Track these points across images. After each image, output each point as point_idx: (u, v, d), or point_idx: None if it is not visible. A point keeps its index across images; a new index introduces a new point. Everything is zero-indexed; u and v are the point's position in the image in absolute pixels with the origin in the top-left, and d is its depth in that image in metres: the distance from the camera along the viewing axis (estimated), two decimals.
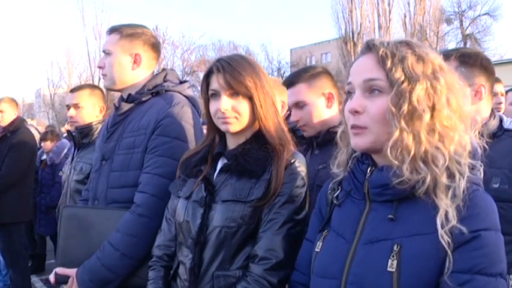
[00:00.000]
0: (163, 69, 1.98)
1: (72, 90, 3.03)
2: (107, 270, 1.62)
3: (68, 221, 1.77)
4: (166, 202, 1.61)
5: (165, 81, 1.92)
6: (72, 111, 2.90)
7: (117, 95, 2.07)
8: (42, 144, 5.14)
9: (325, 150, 1.86)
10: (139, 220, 1.64)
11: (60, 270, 1.70)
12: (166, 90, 1.87)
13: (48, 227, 4.71)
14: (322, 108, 1.94)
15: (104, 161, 1.86)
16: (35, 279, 4.95)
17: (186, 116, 1.78)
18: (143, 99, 1.86)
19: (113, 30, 1.96)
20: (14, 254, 3.91)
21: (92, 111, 2.90)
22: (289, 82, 1.99)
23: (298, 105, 1.94)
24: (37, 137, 5.77)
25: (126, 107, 1.89)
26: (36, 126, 7.34)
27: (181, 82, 1.98)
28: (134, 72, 1.92)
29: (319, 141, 1.92)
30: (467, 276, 0.93)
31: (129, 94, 1.90)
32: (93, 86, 3.13)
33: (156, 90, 1.87)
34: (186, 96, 1.89)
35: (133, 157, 1.76)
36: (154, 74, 1.98)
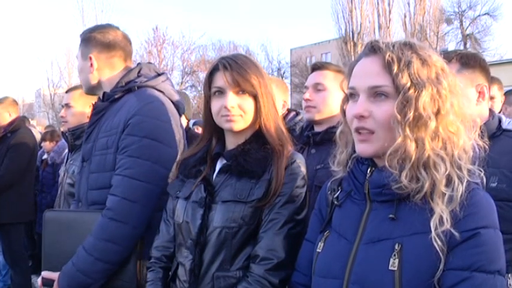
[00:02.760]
0: (138, 64, 1.92)
1: (67, 91, 3.03)
2: (82, 275, 1.60)
3: (51, 225, 1.76)
4: (138, 204, 1.59)
5: (139, 77, 1.85)
6: (63, 111, 2.93)
7: None
8: (43, 144, 5.14)
9: (322, 149, 1.86)
10: (110, 224, 1.60)
11: (46, 274, 1.71)
12: (139, 86, 1.80)
13: None
14: (336, 101, 1.95)
15: (84, 162, 1.85)
16: (35, 279, 4.95)
17: (156, 112, 1.72)
18: (116, 96, 1.81)
19: (80, 35, 1.95)
20: (14, 254, 3.91)
21: (81, 111, 2.87)
22: (319, 66, 2.05)
23: (317, 87, 1.97)
24: (38, 137, 5.80)
25: (100, 106, 1.87)
26: (36, 127, 7.33)
27: (158, 75, 1.90)
28: (93, 74, 1.88)
29: (318, 140, 1.93)
30: (466, 273, 0.94)
31: (104, 92, 1.87)
32: None
33: (129, 87, 1.81)
34: (161, 91, 1.83)
35: (107, 158, 1.72)
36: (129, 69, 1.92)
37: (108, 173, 1.71)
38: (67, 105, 2.89)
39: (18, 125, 3.99)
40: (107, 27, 1.95)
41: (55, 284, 1.66)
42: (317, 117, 1.96)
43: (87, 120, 2.85)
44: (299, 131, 2.13)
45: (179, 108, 1.88)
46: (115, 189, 1.65)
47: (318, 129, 2.00)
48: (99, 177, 1.75)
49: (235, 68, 1.38)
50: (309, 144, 1.97)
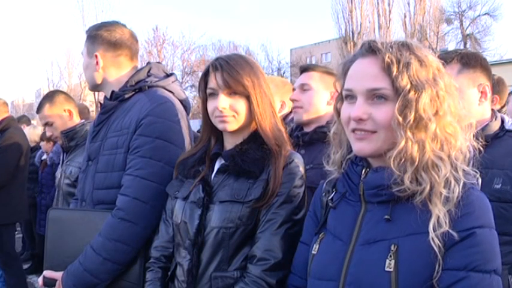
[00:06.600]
0: (148, 63, 1.91)
1: (37, 111, 3.02)
2: (89, 275, 1.58)
3: (54, 223, 1.74)
4: (149, 205, 1.58)
5: (149, 76, 1.83)
6: (48, 130, 2.94)
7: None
8: (41, 144, 5.14)
9: (311, 149, 1.87)
10: (120, 224, 1.58)
11: (48, 273, 1.68)
12: (149, 86, 1.79)
13: None
14: (322, 100, 1.98)
15: (90, 161, 1.82)
16: (35, 279, 4.96)
17: (168, 113, 1.70)
18: (126, 96, 1.79)
19: (86, 31, 1.93)
20: (6, 256, 3.88)
21: (61, 120, 2.89)
22: (305, 68, 2.08)
23: (303, 87, 2.01)
24: (38, 137, 5.79)
25: (109, 105, 1.84)
26: (37, 126, 7.32)
27: (168, 76, 1.90)
28: (99, 72, 1.86)
29: (306, 140, 1.93)
30: (463, 273, 0.94)
31: (113, 91, 1.84)
32: (51, 96, 3.03)
33: (139, 87, 1.79)
34: (171, 91, 1.82)
35: (117, 158, 1.70)
36: (138, 68, 1.90)
37: (117, 172, 1.69)
38: (47, 124, 2.90)
39: (8, 125, 3.93)
40: (114, 24, 1.92)
41: (57, 283, 1.64)
42: (305, 117, 1.98)
43: (70, 123, 2.88)
44: (289, 132, 2.13)
45: (186, 108, 1.87)
46: (126, 190, 1.62)
47: (306, 129, 2.01)
48: (106, 176, 1.73)
49: (226, 69, 1.39)
50: (298, 145, 1.96)
